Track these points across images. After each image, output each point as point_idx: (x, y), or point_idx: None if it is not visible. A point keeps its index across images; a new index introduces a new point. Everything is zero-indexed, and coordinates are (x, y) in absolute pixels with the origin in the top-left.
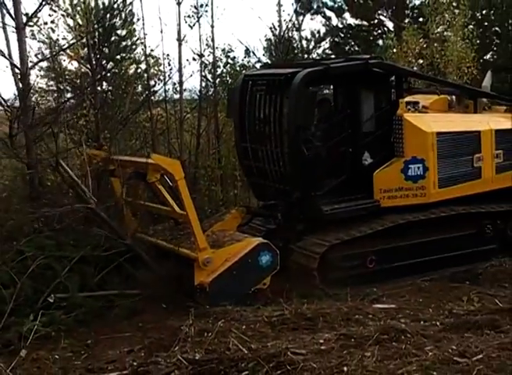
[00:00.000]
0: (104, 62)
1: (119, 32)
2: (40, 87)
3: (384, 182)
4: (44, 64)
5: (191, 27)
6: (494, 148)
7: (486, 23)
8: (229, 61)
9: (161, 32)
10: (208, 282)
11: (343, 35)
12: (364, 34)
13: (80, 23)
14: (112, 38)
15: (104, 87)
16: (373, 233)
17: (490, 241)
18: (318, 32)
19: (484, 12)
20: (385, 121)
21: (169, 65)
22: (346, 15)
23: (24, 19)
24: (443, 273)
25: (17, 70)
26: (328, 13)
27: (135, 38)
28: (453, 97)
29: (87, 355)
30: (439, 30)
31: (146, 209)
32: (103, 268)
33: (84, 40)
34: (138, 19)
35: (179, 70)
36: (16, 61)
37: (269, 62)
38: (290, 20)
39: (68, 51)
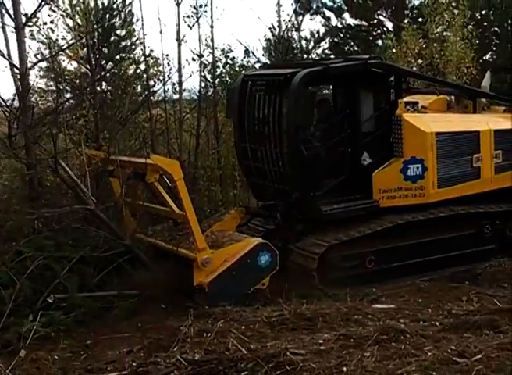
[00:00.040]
0: (103, 62)
1: (118, 32)
2: (39, 87)
3: (383, 182)
4: (44, 64)
5: (191, 27)
6: (493, 149)
7: (485, 24)
8: (229, 61)
9: (161, 32)
10: (207, 282)
11: (342, 35)
12: (364, 34)
13: (80, 23)
14: (112, 38)
15: (103, 87)
16: (372, 234)
17: (489, 241)
18: (318, 32)
19: (483, 12)
20: (384, 121)
21: (169, 65)
22: (346, 15)
23: (23, 19)
24: (442, 273)
25: (16, 70)
26: (328, 13)
27: (134, 38)
28: (452, 97)
29: (87, 355)
30: (438, 30)
31: (145, 210)
32: (102, 268)
33: (84, 40)
34: (137, 20)
35: (179, 70)
36: (16, 61)
37: (269, 62)
38: (290, 20)
39: (67, 51)
